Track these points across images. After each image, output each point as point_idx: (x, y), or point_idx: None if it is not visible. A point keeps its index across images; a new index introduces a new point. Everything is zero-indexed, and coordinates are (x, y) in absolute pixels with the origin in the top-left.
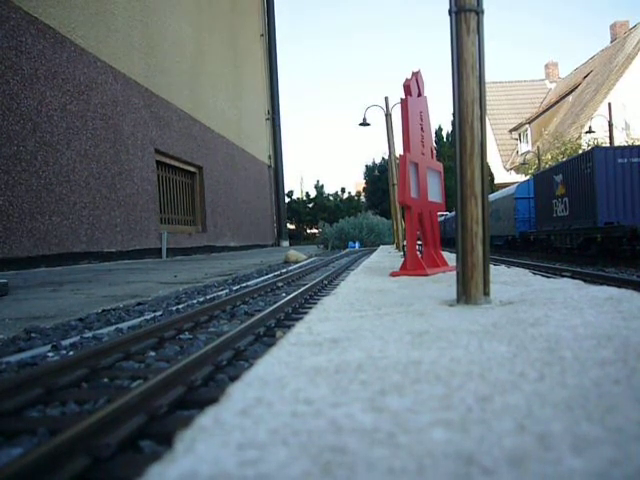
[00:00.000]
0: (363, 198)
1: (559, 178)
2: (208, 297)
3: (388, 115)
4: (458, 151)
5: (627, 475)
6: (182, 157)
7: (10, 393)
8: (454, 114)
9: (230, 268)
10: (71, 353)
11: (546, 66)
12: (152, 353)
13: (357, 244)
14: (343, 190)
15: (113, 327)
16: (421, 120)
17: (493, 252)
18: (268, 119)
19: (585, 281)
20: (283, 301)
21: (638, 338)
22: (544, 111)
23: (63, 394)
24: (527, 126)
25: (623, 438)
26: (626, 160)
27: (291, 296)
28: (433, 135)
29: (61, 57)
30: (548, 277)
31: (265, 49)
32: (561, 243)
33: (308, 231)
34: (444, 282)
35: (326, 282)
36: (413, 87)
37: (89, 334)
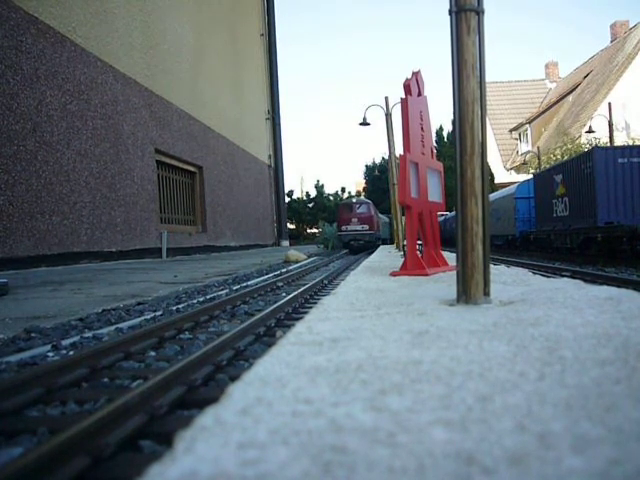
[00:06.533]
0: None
1: (559, 178)
2: (208, 297)
3: (388, 115)
4: (458, 151)
5: (627, 474)
6: (182, 157)
7: (10, 393)
8: (454, 114)
9: (230, 268)
10: (71, 353)
11: (546, 66)
12: (152, 353)
13: None
14: (343, 190)
15: (113, 327)
16: (421, 120)
17: (493, 252)
18: (268, 119)
19: (585, 281)
20: (283, 301)
21: (638, 338)
22: (544, 111)
23: (63, 394)
24: (527, 126)
25: (623, 437)
26: (626, 160)
27: (291, 296)
28: (433, 135)
29: (61, 57)
30: (548, 277)
31: (265, 49)
32: (561, 243)
33: (308, 231)
34: (444, 282)
35: (326, 282)
36: (413, 87)
37: (89, 334)
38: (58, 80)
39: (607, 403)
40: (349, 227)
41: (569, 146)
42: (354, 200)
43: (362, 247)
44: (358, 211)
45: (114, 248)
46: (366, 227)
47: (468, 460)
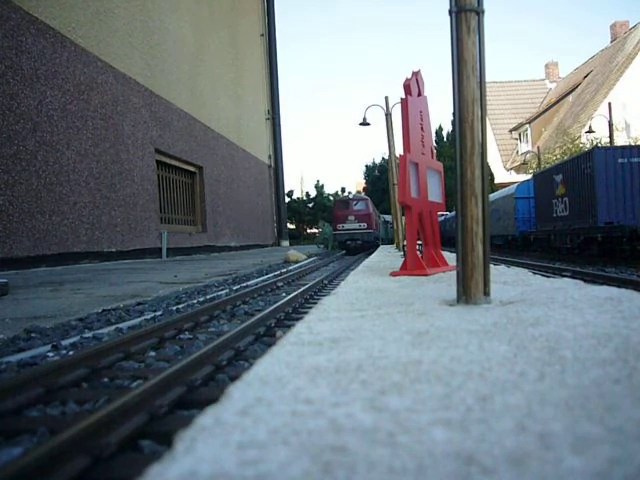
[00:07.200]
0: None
1: (559, 178)
2: (208, 297)
3: (388, 115)
4: (458, 151)
5: (627, 475)
6: (182, 157)
7: (10, 393)
8: (454, 114)
9: (230, 268)
10: (71, 353)
11: (546, 66)
12: (152, 353)
13: None
14: (343, 190)
15: (113, 327)
16: (421, 120)
17: (493, 252)
18: (268, 119)
19: (585, 281)
20: (283, 301)
21: (638, 338)
22: (544, 111)
23: (63, 394)
24: (527, 126)
25: (623, 437)
26: (626, 160)
27: (291, 296)
28: (433, 135)
29: (61, 57)
30: (548, 277)
31: (265, 49)
32: (561, 243)
33: (308, 231)
34: (444, 282)
35: (326, 282)
36: (413, 87)
37: (89, 334)
38: (58, 80)
39: (607, 403)
40: (345, 225)
41: (569, 146)
42: (351, 196)
43: (360, 247)
44: (355, 208)
45: (114, 248)
46: (364, 225)
47: (468, 460)
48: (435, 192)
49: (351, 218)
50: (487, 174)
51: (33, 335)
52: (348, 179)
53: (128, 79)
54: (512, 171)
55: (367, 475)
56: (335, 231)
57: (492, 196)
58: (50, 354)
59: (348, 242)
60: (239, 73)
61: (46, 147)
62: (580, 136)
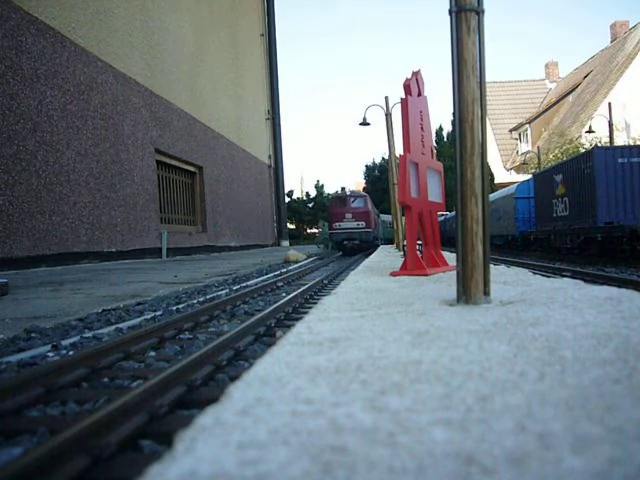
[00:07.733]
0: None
1: (559, 178)
2: (208, 297)
3: (388, 115)
4: (458, 151)
5: (627, 475)
6: (182, 157)
7: (10, 393)
8: (454, 114)
9: (230, 268)
10: (71, 353)
11: (546, 66)
12: (152, 353)
13: None
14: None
15: (113, 327)
16: (421, 120)
17: (493, 252)
18: (268, 119)
19: (585, 281)
20: (283, 301)
21: (638, 338)
22: (544, 111)
23: (63, 394)
24: (527, 126)
25: (623, 438)
26: (626, 160)
27: (291, 296)
28: (433, 135)
29: (61, 57)
30: (548, 277)
31: (265, 49)
32: (561, 243)
33: (308, 231)
34: (444, 282)
35: (326, 282)
36: (413, 87)
37: (89, 334)
38: (58, 80)
39: (607, 403)
40: (342, 224)
41: (567, 146)
42: (348, 192)
43: (358, 248)
44: (353, 205)
45: (114, 248)
46: (362, 224)
47: (468, 460)
48: (435, 192)
49: (348, 216)
50: (487, 174)
51: (33, 335)
52: (348, 179)
53: (128, 79)
54: (512, 171)
55: (367, 475)
56: (331, 230)
57: (492, 196)
58: (50, 354)
59: (345, 242)
60: (239, 73)
61: (46, 147)
62: (579, 136)
